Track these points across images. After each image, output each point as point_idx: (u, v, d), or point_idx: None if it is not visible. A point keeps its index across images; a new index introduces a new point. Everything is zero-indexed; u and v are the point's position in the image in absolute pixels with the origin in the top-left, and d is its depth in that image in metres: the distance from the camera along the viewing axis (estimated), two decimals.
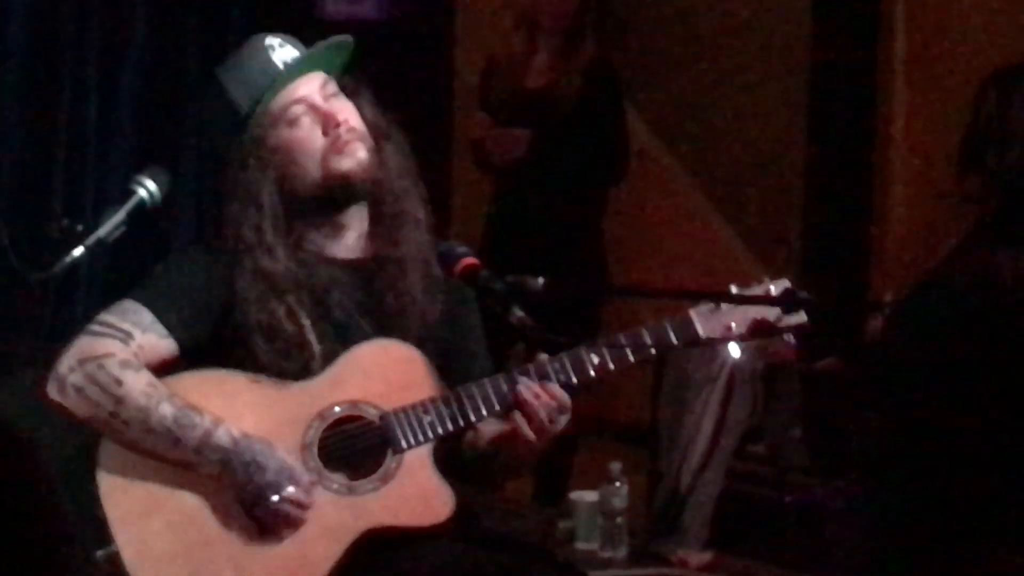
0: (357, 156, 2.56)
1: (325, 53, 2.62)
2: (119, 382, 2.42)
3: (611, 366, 2.51)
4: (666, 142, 5.83)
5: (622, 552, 4.10)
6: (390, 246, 2.59)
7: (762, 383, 4.22)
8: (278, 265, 2.52)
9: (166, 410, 2.41)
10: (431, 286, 2.59)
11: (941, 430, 2.47)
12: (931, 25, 4.90)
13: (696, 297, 2.60)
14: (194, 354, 2.52)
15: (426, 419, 2.48)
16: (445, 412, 2.48)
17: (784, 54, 5.42)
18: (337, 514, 2.44)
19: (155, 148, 4.99)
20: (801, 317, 2.55)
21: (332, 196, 2.56)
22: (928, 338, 2.51)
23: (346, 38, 2.64)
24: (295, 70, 2.58)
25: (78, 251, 2.47)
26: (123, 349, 2.44)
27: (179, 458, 2.42)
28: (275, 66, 2.57)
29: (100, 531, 2.40)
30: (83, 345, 2.46)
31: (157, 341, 2.48)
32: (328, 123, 2.56)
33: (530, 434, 2.44)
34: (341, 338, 2.53)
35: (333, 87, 2.61)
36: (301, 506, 2.41)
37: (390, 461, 2.47)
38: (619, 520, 4.08)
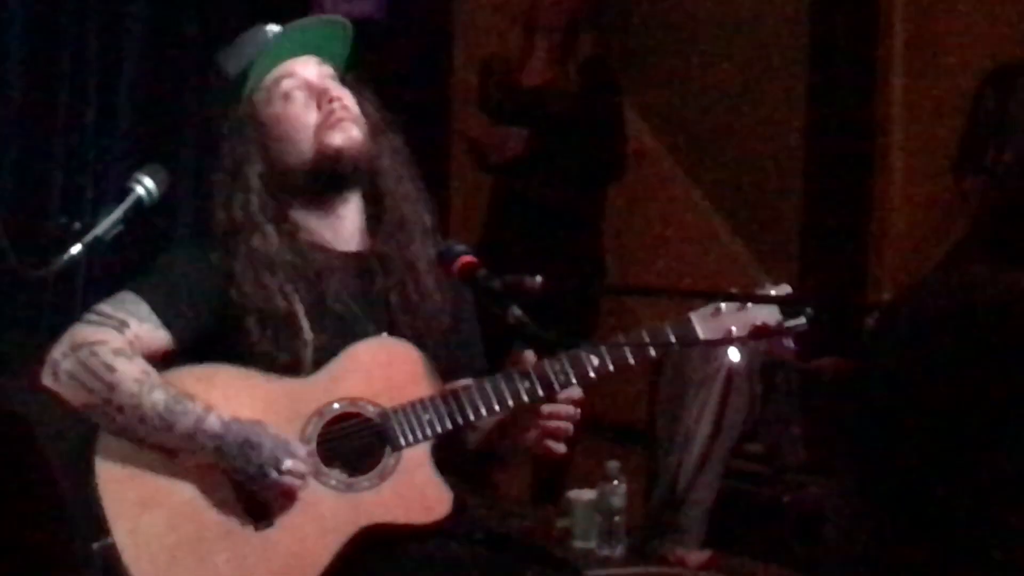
0: (350, 133, 2.57)
1: (322, 35, 2.63)
2: (111, 368, 2.41)
3: (611, 367, 2.52)
4: (666, 142, 5.83)
5: (619, 551, 4.09)
6: (396, 248, 2.60)
7: (760, 381, 4.21)
8: (271, 247, 2.52)
9: (158, 397, 2.41)
10: (442, 288, 2.59)
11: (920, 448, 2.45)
12: (930, 24, 4.90)
13: (695, 297, 2.60)
14: (191, 347, 2.52)
15: (425, 417, 2.48)
16: (444, 411, 2.49)
17: (784, 54, 5.42)
18: (335, 510, 2.44)
19: (153, 146, 4.99)
20: (801, 321, 2.55)
21: (324, 173, 2.56)
22: (900, 360, 2.49)
23: (342, 20, 2.65)
24: (288, 41, 2.59)
25: (76, 249, 2.47)
26: (117, 337, 2.45)
27: (172, 445, 2.42)
28: (267, 36, 2.59)
29: (97, 523, 2.40)
30: (77, 332, 2.46)
31: (153, 332, 2.48)
32: (322, 98, 2.57)
33: (561, 448, 2.49)
34: (338, 328, 2.53)
35: (331, 72, 2.62)
36: (302, 477, 2.41)
37: (388, 458, 2.47)
38: (617, 519, 4.08)
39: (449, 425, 2.49)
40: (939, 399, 2.33)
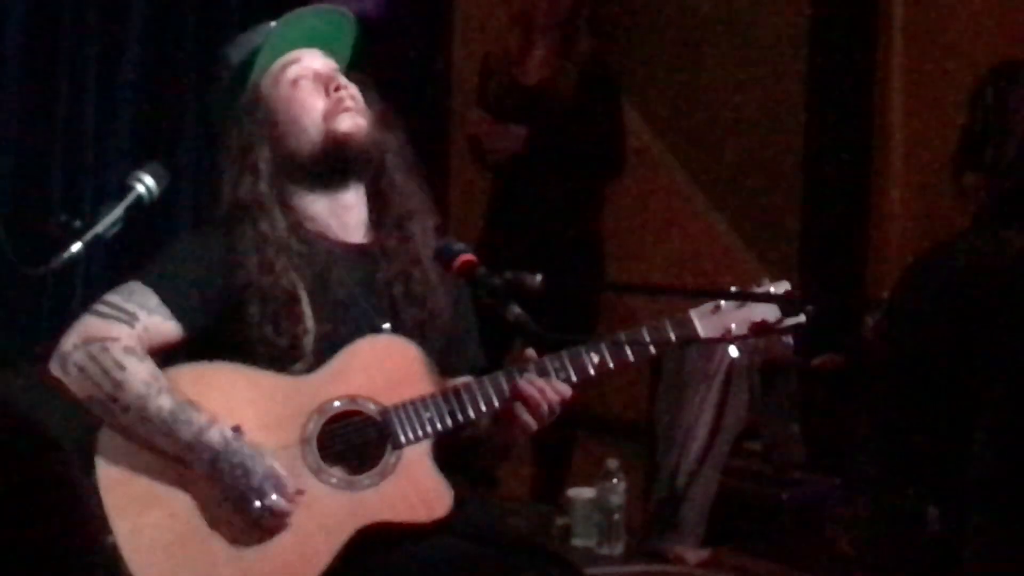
0: (357, 120, 2.57)
1: (327, 28, 2.64)
2: (121, 367, 2.42)
3: (611, 365, 2.52)
4: (666, 142, 5.83)
5: (619, 549, 4.10)
6: (400, 240, 2.60)
7: (759, 379, 4.22)
8: (277, 231, 2.52)
9: (164, 402, 2.41)
10: (446, 285, 2.59)
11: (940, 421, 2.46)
12: (930, 24, 4.90)
13: (695, 295, 2.60)
14: (199, 337, 2.52)
15: (425, 415, 2.48)
16: (445, 408, 2.49)
17: (784, 54, 5.42)
18: (335, 509, 2.44)
19: (153, 144, 4.99)
20: (800, 319, 2.55)
21: (331, 158, 2.56)
22: (926, 316, 2.50)
23: (347, 12, 2.65)
24: (294, 30, 2.60)
25: (76, 247, 2.47)
26: (129, 333, 2.45)
27: (171, 450, 2.42)
28: (272, 27, 2.60)
29: (97, 521, 2.39)
30: (89, 325, 2.46)
31: (162, 323, 2.48)
32: (329, 85, 2.58)
33: (531, 421, 2.46)
34: (341, 318, 2.53)
35: (336, 66, 2.63)
36: (283, 515, 2.41)
37: (389, 456, 2.47)
38: (616, 517, 4.09)
39: (450, 423, 2.49)
40: (969, 349, 2.36)
